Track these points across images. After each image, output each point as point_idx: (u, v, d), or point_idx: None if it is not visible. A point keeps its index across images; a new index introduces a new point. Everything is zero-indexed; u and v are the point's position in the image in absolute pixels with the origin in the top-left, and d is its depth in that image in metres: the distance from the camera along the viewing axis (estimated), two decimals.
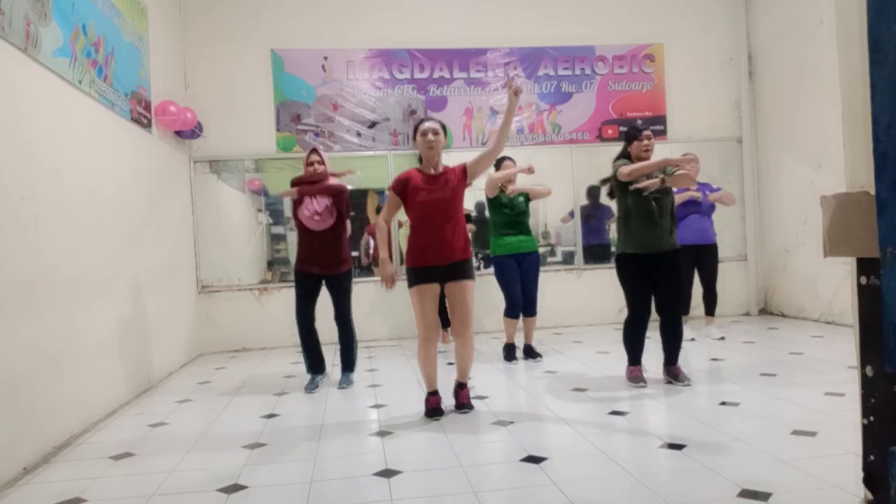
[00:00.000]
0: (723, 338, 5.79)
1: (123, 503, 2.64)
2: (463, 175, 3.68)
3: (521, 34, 7.18)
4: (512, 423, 3.48)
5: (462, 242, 3.64)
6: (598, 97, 7.32)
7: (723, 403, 3.66)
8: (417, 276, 3.60)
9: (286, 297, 6.65)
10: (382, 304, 6.87)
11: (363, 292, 6.69)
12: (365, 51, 6.97)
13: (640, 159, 4.08)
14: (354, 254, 7.09)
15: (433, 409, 3.69)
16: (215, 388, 4.85)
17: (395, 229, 6.77)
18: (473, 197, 7.14)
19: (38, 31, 3.45)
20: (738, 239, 7.46)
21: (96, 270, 4.10)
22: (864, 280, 1.84)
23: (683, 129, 7.40)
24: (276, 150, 6.85)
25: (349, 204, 4.60)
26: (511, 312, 5.16)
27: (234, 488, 2.71)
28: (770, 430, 3.12)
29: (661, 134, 7.33)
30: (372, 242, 7.61)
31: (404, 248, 4.16)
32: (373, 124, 7.00)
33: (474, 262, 4.01)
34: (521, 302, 5.15)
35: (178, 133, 6.10)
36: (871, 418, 1.83)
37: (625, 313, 4.20)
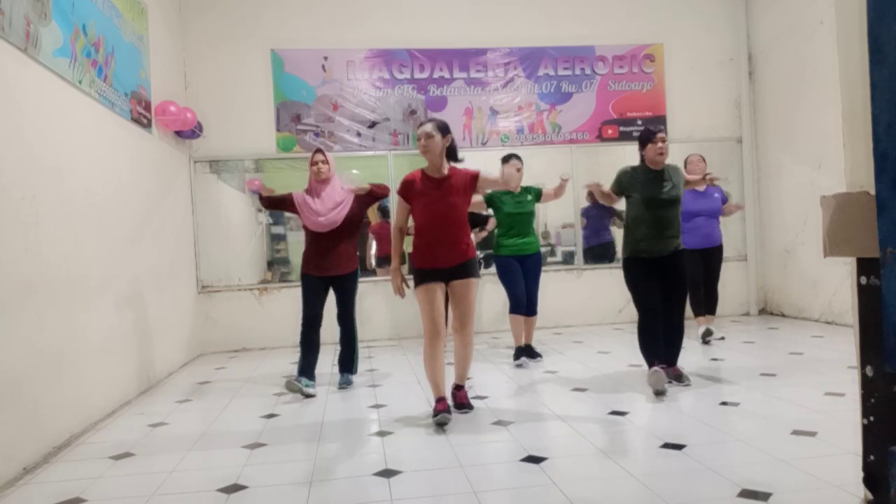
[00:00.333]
0: (723, 338, 5.78)
1: (123, 503, 2.64)
2: (472, 182, 3.65)
3: (521, 34, 7.18)
4: (512, 423, 3.48)
5: (466, 244, 3.65)
6: (598, 97, 7.31)
7: (723, 403, 3.66)
8: (422, 276, 3.61)
9: (286, 297, 6.66)
10: (383, 303, 6.87)
11: (363, 292, 6.68)
12: (365, 51, 6.97)
13: (655, 163, 4.07)
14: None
15: (442, 414, 3.48)
16: (215, 388, 4.85)
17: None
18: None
19: (38, 31, 3.44)
20: (738, 239, 7.46)
21: (96, 270, 4.10)
22: (864, 280, 1.84)
23: (683, 129, 7.40)
24: (276, 150, 6.85)
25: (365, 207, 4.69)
26: (516, 309, 5.18)
27: (234, 488, 2.71)
28: (770, 430, 3.12)
29: None
30: (374, 244, 7.62)
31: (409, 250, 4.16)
32: (373, 124, 7.00)
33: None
34: (525, 299, 5.17)
35: (178, 133, 6.10)
36: (871, 418, 1.83)
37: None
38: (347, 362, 4.67)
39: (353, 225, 4.52)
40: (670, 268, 4.06)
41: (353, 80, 6.96)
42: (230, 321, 6.66)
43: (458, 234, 3.61)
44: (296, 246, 6.92)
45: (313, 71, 6.89)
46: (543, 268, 5.51)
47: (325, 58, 6.90)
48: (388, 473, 2.79)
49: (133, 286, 4.75)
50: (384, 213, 7.65)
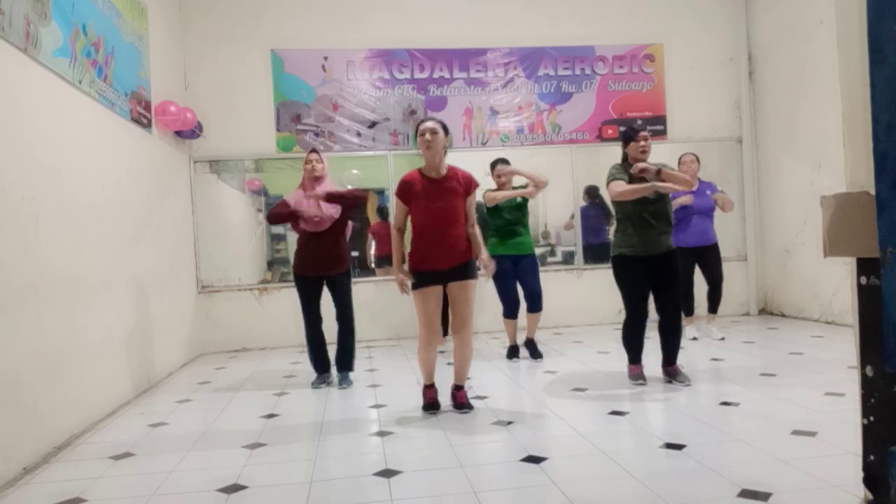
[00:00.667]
0: (723, 338, 5.78)
1: (123, 503, 2.64)
2: (469, 189, 3.72)
3: (521, 34, 7.18)
4: (512, 423, 3.48)
5: (464, 245, 3.66)
6: (598, 97, 7.31)
7: (723, 403, 3.66)
8: (420, 279, 3.62)
9: (286, 297, 6.65)
10: (382, 303, 6.87)
11: (363, 292, 6.69)
12: (365, 51, 6.96)
13: (637, 160, 4.07)
14: (355, 254, 7.08)
15: (430, 403, 3.78)
16: (215, 387, 4.85)
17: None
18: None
19: (38, 31, 3.44)
20: (738, 239, 7.46)
21: (96, 270, 4.10)
22: (864, 280, 1.84)
23: (683, 129, 7.40)
24: (276, 150, 6.85)
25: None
26: (509, 313, 5.23)
27: (234, 488, 2.71)
28: (770, 430, 3.12)
29: (661, 134, 7.33)
30: (374, 244, 7.62)
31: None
32: (373, 124, 7.00)
33: None
34: (517, 301, 5.23)
35: (178, 133, 6.10)
36: (871, 418, 1.83)
37: (624, 313, 4.21)
38: (346, 359, 4.68)
39: (341, 224, 4.60)
40: (664, 267, 4.07)
41: (353, 80, 6.96)
42: (230, 321, 6.66)
43: (456, 236, 3.62)
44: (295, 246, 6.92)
45: (313, 71, 6.89)
46: (543, 268, 5.53)
47: (325, 58, 6.90)
48: (387, 473, 2.79)
49: (133, 286, 4.75)
50: (383, 213, 7.66)
